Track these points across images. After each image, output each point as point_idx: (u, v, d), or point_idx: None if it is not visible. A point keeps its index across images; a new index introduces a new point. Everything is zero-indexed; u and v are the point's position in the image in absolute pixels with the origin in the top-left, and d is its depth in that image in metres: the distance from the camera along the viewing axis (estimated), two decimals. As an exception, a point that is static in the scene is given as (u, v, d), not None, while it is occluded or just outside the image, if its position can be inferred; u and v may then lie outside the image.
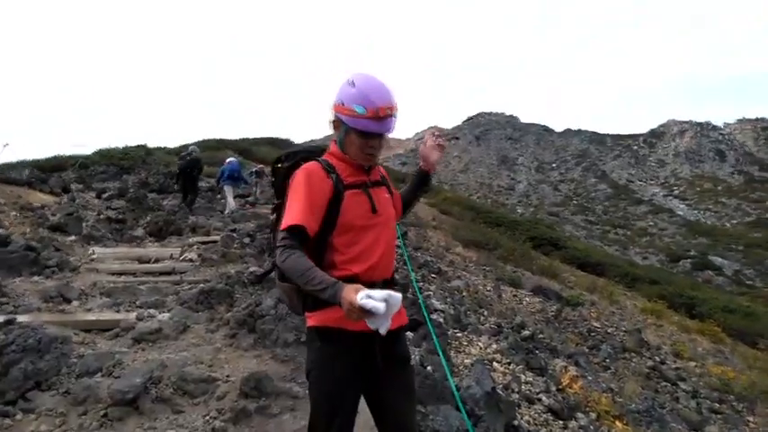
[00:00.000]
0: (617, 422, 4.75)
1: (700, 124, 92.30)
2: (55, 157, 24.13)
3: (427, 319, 2.23)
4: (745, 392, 7.82)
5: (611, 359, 7.81)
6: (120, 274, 6.45)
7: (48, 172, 17.25)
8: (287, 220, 1.89)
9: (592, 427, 4.41)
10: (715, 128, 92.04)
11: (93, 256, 7.02)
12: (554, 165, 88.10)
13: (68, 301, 5.17)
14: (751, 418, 7.02)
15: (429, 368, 4.20)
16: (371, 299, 1.58)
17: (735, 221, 65.02)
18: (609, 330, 9.48)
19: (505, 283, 12.01)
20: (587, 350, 7.96)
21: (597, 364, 7.50)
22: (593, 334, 8.87)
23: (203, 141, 37.58)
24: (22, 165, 18.80)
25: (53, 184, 14.54)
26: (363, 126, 1.93)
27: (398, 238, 2.38)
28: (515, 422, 3.85)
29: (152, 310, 5.11)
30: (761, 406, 7.58)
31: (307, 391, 2.10)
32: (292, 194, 1.96)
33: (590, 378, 6.36)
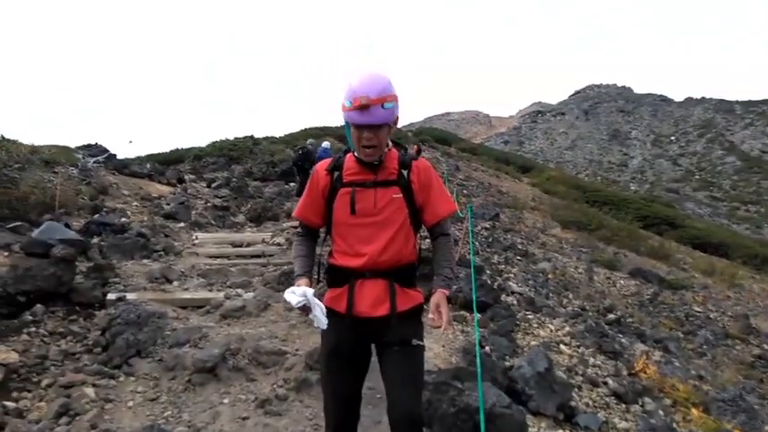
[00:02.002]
0: (694, 410, 4.54)
1: None
2: (175, 151, 26.53)
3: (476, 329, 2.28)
4: None
5: (710, 346, 7.33)
6: (217, 257, 7.14)
7: (168, 165, 19.07)
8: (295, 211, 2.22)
9: (661, 412, 4.27)
10: None
11: (196, 241, 7.80)
12: (673, 137, 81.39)
13: (170, 282, 5.86)
14: None
15: (487, 348, 4.30)
16: (292, 294, 1.98)
17: None
18: (711, 315, 8.85)
19: (601, 265, 11.55)
20: (682, 335, 7.54)
21: (691, 350, 7.09)
22: (691, 318, 8.35)
23: (306, 130, 39.27)
24: (145, 159, 20.92)
25: (169, 175, 16.03)
26: (350, 118, 2.07)
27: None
28: (572, 403, 3.86)
29: (239, 290, 5.65)
30: None
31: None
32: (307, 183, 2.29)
33: (677, 364, 6.05)
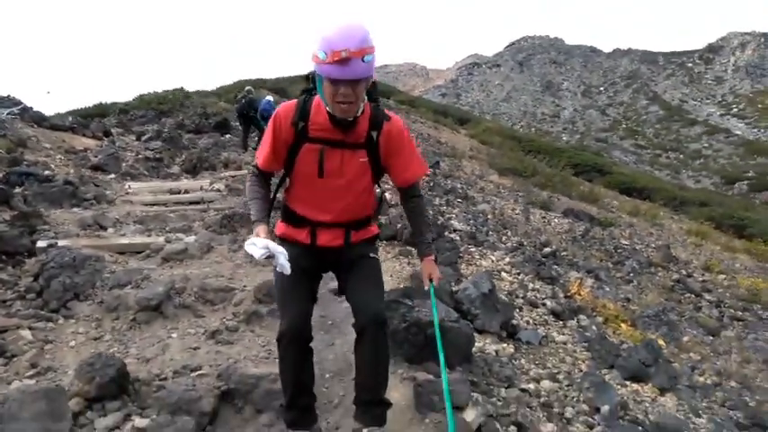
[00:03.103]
0: (623, 325, 4.90)
1: (764, 35, 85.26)
2: (99, 105, 24.99)
3: (432, 295, 2.35)
4: (773, 301, 7.79)
5: (635, 273, 7.86)
6: (153, 204, 6.87)
7: (91, 119, 17.94)
8: (256, 155, 2.25)
9: (594, 327, 4.58)
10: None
11: (129, 190, 7.47)
12: (602, 88, 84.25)
13: (104, 229, 5.61)
14: (774, 325, 7.03)
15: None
16: (253, 246, 1.97)
17: (800, 139, 61.30)
18: (637, 247, 9.45)
19: (536, 207, 12.00)
20: (611, 265, 8.02)
21: (620, 278, 7.57)
22: (619, 251, 8.88)
23: (239, 82, 37.86)
24: (64, 114, 19.62)
25: (94, 128, 15.11)
26: (326, 72, 1.91)
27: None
28: (513, 321, 4.06)
29: (180, 234, 5.49)
30: (787, 313, 7.55)
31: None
32: (266, 130, 2.20)
33: (607, 289, 6.47)
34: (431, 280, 2.35)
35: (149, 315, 3.68)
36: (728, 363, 5.12)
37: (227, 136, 16.54)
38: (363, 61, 1.89)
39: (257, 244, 1.97)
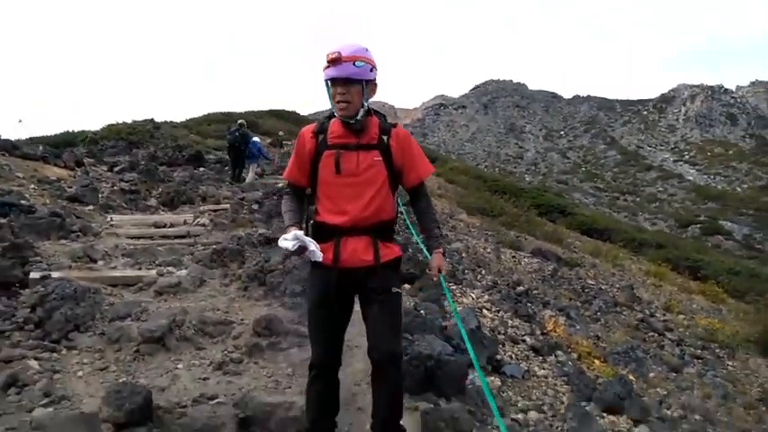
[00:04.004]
0: (596, 361, 5.22)
1: (711, 88, 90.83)
2: (65, 133, 24.63)
3: (443, 283, 2.61)
4: (728, 340, 8.28)
5: (602, 312, 8.26)
6: (139, 237, 6.95)
7: (59, 147, 17.71)
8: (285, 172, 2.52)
9: (570, 362, 4.89)
10: (727, 91, 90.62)
11: (112, 223, 7.52)
12: (562, 132, 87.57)
13: (94, 261, 5.66)
14: (730, 363, 7.49)
15: (422, 312, 4.67)
16: (285, 240, 2.24)
17: (745, 186, 64.71)
18: (602, 287, 9.92)
19: (506, 246, 12.43)
20: (579, 304, 8.41)
21: (588, 316, 7.95)
22: (586, 290, 9.31)
23: (209, 115, 37.93)
24: (35, 141, 19.31)
25: (66, 158, 14.96)
26: (325, 75, 2.31)
27: (398, 203, 2.66)
28: (498, 356, 4.32)
29: (170, 268, 5.59)
30: (741, 352, 8.04)
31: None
32: (293, 149, 2.54)
33: (578, 327, 6.82)
34: (440, 271, 2.56)
35: (152, 347, 3.79)
36: (691, 398, 5.48)
37: (202, 169, 16.64)
38: (354, 65, 2.26)
39: (288, 238, 2.24)
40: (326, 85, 2.35)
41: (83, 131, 24.24)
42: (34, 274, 4.79)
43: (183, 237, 7.08)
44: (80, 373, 3.41)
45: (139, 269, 5.54)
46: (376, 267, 2.38)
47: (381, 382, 2.43)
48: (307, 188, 2.52)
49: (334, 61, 2.25)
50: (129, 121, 27.72)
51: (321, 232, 2.42)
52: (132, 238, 6.91)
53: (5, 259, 4.92)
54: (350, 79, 2.28)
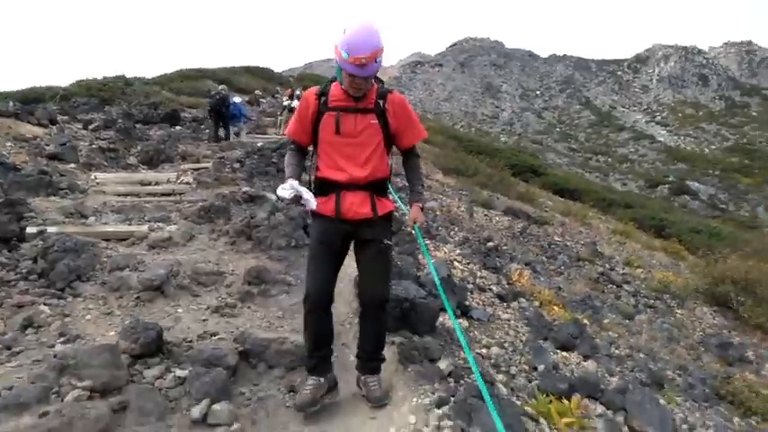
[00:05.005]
0: (555, 308, 5.75)
1: (684, 48, 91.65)
2: (33, 89, 24.04)
3: (418, 234, 2.94)
4: (679, 292, 8.98)
5: (566, 267, 8.84)
6: (126, 195, 7.17)
7: (28, 104, 17.41)
8: (287, 129, 2.83)
9: (531, 309, 5.40)
10: (700, 52, 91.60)
11: (98, 181, 7.70)
12: (538, 92, 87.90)
13: (85, 217, 5.92)
14: (679, 311, 8.18)
15: (399, 263, 5.09)
16: (283, 189, 2.55)
17: (713, 147, 66.46)
18: (568, 244, 10.50)
19: (479, 205, 12.92)
20: (545, 259, 8.97)
21: (552, 270, 8.52)
22: (552, 246, 9.88)
23: (182, 71, 37.13)
24: (3, 96, 18.92)
25: (40, 115, 14.78)
26: (347, 69, 2.52)
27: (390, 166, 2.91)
28: (466, 302, 4.79)
29: (160, 224, 5.88)
30: (690, 301, 8.76)
31: (298, 280, 3.15)
32: (296, 108, 2.85)
33: (542, 279, 7.36)
34: (415, 222, 2.86)
35: (152, 294, 4.13)
36: (639, 340, 6.09)
37: (178, 128, 16.62)
38: (375, 62, 2.51)
39: (285, 187, 2.54)
40: (338, 67, 2.57)
41: (52, 87, 23.72)
42: (31, 229, 5.06)
43: (168, 194, 7.33)
44: (88, 317, 3.75)
45: (130, 225, 5.82)
46: (373, 219, 2.70)
47: (369, 321, 2.83)
48: (308, 146, 2.83)
49: (361, 65, 2.45)
50: (100, 77, 27.22)
51: (323, 187, 2.72)
52: (120, 195, 7.14)
53: (2, 215, 5.16)
54: (371, 75, 2.58)
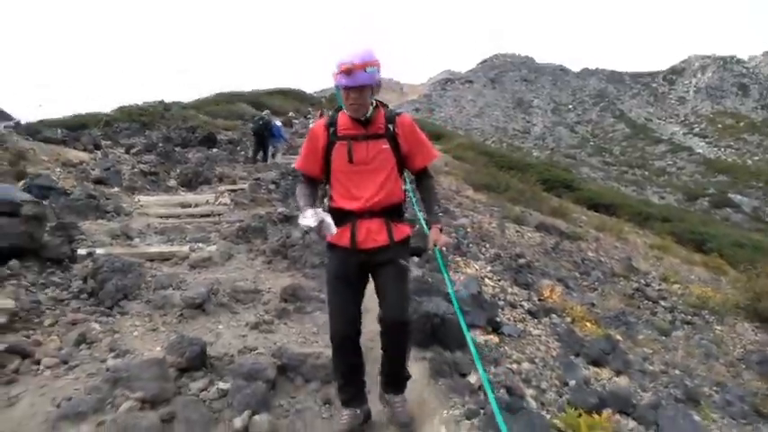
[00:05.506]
0: (588, 323, 5.74)
1: (722, 58, 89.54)
2: (78, 116, 25.19)
3: (438, 256, 2.99)
4: (719, 308, 8.78)
5: (600, 282, 8.77)
6: (167, 217, 7.51)
7: (75, 130, 18.30)
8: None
9: (563, 324, 5.41)
10: (739, 61, 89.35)
11: (141, 203, 8.08)
12: (571, 106, 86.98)
13: (131, 239, 6.25)
14: (718, 327, 8.00)
15: (429, 279, 5.20)
16: (304, 218, 2.52)
17: (756, 158, 64.39)
18: (602, 259, 10.41)
19: (510, 221, 12.91)
20: (578, 275, 8.92)
21: (586, 286, 8.46)
22: (586, 262, 9.81)
23: (217, 95, 38.27)
24: (47, 124, 19.92)
25: (85, 141, 15.53)
26: (338, 81, 2.52)
27: (406, 183, 2.98)
28: (497, 318, 4.85)
29: (200, 244, 6.15)
30: (730, 317, 8.55)
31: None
32: (304, 142, 2.89)
33: (575, 295, 7.33)
34: (436, 244, 2.82)
35: (194, 312, 4.36)
36: (675, 356, 6.01)
37: (215, 150, 17.18)
38: (365, 72, 2.49)
39: (306, 215, 2.49)
40: (337, 88, 2.62)
41: (95, 114, 24.81)
42: (81, 251, 5.38)
43: (207, 215, 7.64)
44: (135, 333, 3.98)
45: (172, 245, 6.10)
46: (390, 246, 2.68)
47: (390, 341, 2.78)
48: (318, 178, 2.82)
49: (347, 71, 2.48)
50: (140, 102, 28.33)
51: (337, 217, 2.64)
52: (161, 217, 7.48)
53: (55, 237, 5.50)
54: (362, 86, 2.54)
